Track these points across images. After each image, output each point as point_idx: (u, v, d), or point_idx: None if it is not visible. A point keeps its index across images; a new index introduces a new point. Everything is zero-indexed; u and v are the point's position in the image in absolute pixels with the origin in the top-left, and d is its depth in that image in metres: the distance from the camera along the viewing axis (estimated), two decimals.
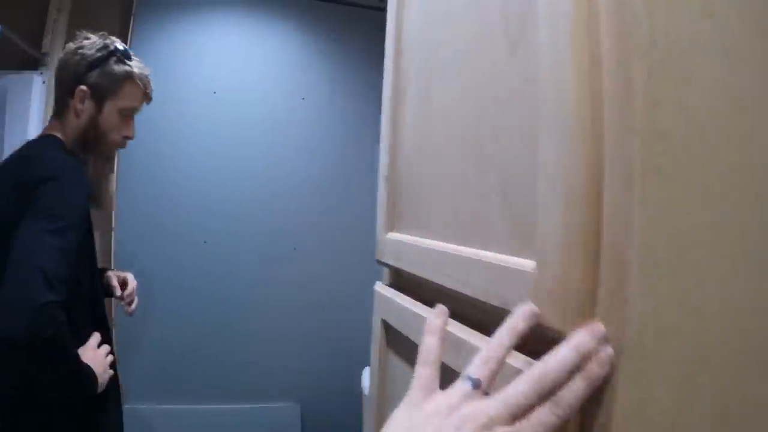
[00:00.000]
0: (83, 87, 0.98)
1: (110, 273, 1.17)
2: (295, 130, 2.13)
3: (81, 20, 2.04)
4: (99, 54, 0.99)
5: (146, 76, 1.05)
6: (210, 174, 2.03)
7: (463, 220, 0.44)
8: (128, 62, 1.02)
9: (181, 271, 1.97)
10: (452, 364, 0.37)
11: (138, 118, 1.08)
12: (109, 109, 1.00)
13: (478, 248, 0.40)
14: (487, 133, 0.40)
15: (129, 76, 1.01)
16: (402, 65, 0.66)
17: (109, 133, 1.01)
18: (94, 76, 0.98)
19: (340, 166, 2.17)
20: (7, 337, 0.72)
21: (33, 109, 1.94)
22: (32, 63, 1.96)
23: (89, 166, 1.01)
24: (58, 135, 0.99)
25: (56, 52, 2.00)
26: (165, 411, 1.91)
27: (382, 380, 0.66)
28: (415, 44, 0.61)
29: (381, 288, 0.73)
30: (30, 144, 1.01)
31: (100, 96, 0.99)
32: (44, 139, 1.00)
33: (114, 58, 1.00)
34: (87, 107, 0.99)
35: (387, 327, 0.66)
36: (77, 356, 0.84)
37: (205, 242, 1.99)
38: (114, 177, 1.30)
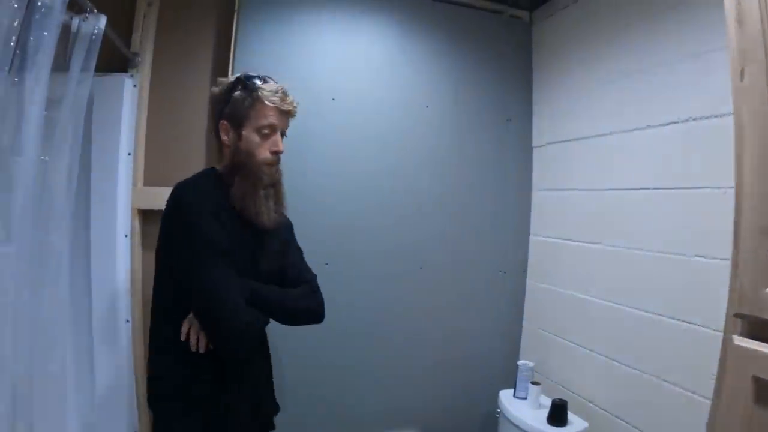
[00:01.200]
0: (223, 121, 1.11)
1: None
2: (418, 140, 1.87)
3: (172, 15, 1.81)
4: (227, 89, 1.11)
5: (275, 93, 1.09)
6: (329, 190, 1.77)
7: None
8: (254, 86, 1.08)
9: None
10: None
11: None
12: (247, 133, 1.10)
13: None
14: None
15: (255, 99, 1.08)
16: None
17: (253, 152, 1.09)
18: (227, 109, 1.10)
19: (467, 178, 1.95)
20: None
21: (125, 115, 1.68)
22: (120, 63, 1.71)
23: (235, 187, 1.10)
24: (218, 168, 1.17)
25: (147, 51, 1.75)
26: None
27: None
28: None
29: (743, 341, 0.69)
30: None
31: (237, 124, 1.10)
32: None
33: (239, 87, 1.09)
34: (231, 137, 1.11)
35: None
36: None
37: (326, 264, 1.70)
38: (274, 193, 1.19)
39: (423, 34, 1.88)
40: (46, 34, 1.15)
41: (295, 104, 1.12)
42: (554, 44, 1.93)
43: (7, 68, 1.06)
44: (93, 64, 1.35)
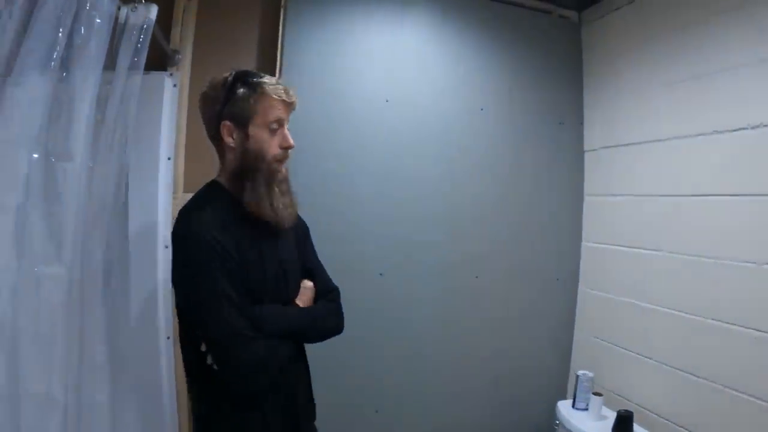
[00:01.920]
0: (225, 122, 1.01)
1: None
2: (473, 143, 1.81)
3: (213, 11, 1.69)
4: (225, 87, 1.00)
5: (277, 86, 1.02)
6: (383, 196, 1.70)
7: None
8: (257, 81, 1.01)
9: (355, 308, 1.59)
10: None
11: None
12: (255, 131, 1.01)
13: None
14: None
15: (261, 93, 1.00)
16: None
17: (264, 150, 1.02)
18: (228, 108, 1.00)
19: (521, 183, 1.90)
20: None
21: (165, 116, 1.56)
22: (158, 60, 1.58)
23: (247, 190, 1.02)
24: (218, 179, 1.10)
25: (187, 48, 1.63)
26: None
27: None
28: None
29: None
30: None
31: (242, 123, 1.01)
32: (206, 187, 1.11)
33: (238, 84, 1.00)
34: (236, 138, 1.02)
35: None
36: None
37: (381, 275, 1.63)
38: (286, 188, 1.10)
39: (474, 33, 1.81)
40: (98, 21, 1.04)
41: (296, 95, 1.05)
42: (606, 46, 1.89)
43: (52, 63, 0.96)
44: (143, 60, 1.23)
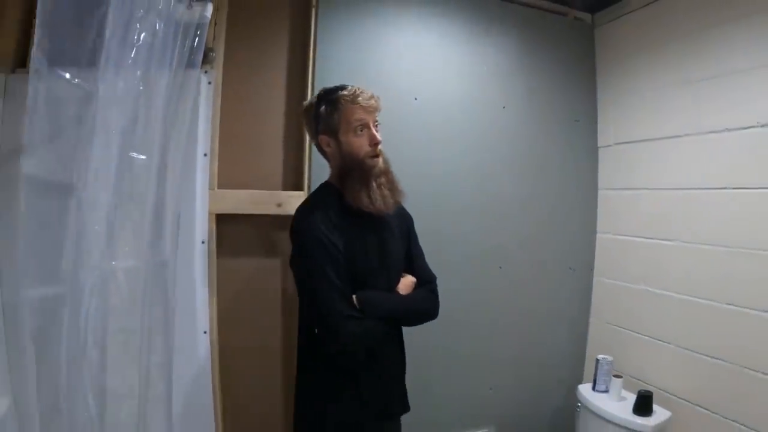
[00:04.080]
0: (321, 136, 1.20)
1: None
2: (496, 140, 1.88)
3: (245, 10, 1.70)
4: (313, 109, 1.20)
5: (353, 94, 1.16)
6: (414, 191, 1.71)
7: None
8: (333, 96, 1.17)
9: None
10: None
11: None
12: (345, 137, 1.17)
13: None
14: None
15: (338, 106, 1.16)
16: None
17: (355, 151, 1.17)
18: (320, 125, 1.19)
19: (540, 178, 1.98)
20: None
21: (201, 113, 1.58)
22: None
23: (347, 188, 1.18)
24: (330, 180, 1.26)
25: (220, 46, 1.65)
26: None
27: None
28: None
29: None
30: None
31: (333, 134, 1.18)
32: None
33: (322, 103, 1.18)
34: (333, 147, 1.20)
35: None
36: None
37: None
38: (386, 181, 1.22)
39: (496, 34, 1.88)
40: (166, 20, 1.07)
41: (374, 97, 1.18)
42: (619, 47, 1.98)
43: (129, 61, 0.98)
44: (200, 57, 1.26)
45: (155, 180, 1.07)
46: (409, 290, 1.24)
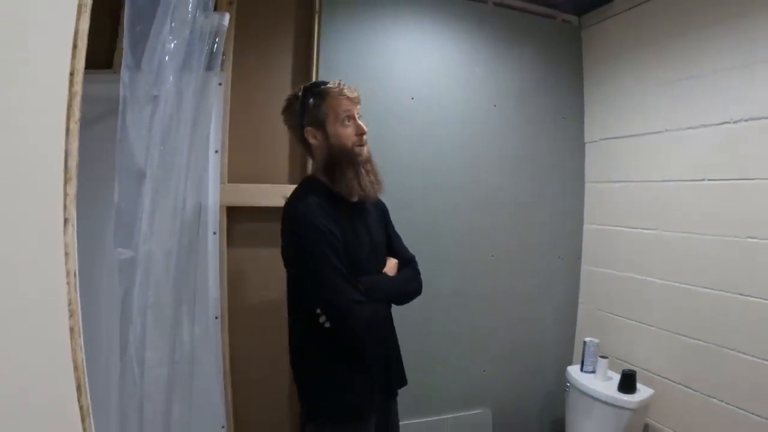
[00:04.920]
0: (307, 128, 1.22)
1: None
2: (488, 137, 2.00)
3: (252, 14, 1.82)
4: (299, 102, 1.22)
5: (339, 87, 1.21)
6: (411, 186, 1.87)
7: None
8: (320, 89, 1.21)
9: None
10: None
11: None
12: (332, 129, 1.21)
13: None
14: None
15: (326, 97, 1.20)
16: None
17: (343, 142, 1.21)
18: (306, 118, 1.22)
19: (529, 172, 2.11)
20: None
21: (213, 113, 1.69)
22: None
23: (338, 177, 1.22)
24: (313, 174, 1.30)
25: (230, 49, 1.76)
26: None
27: None
28: None
29: None
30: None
31: (320, 125, 1.21)
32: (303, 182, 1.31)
33: (308, 95, 1.22)
34: (320, 138, 1.23)
35: None
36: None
37: None
38: (371, 167, 1.29)
39: (488, 37, 1.99)
40: (192, 27, 1.18)
41: (356, 89, 1.24)
42: (605, 48, 2.11)
43: (167, 66, 1.09)
44: (218, 62, 1.37)
45: (184, 172, 1.19)
46: (394, 272, 1.30)
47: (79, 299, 0.46)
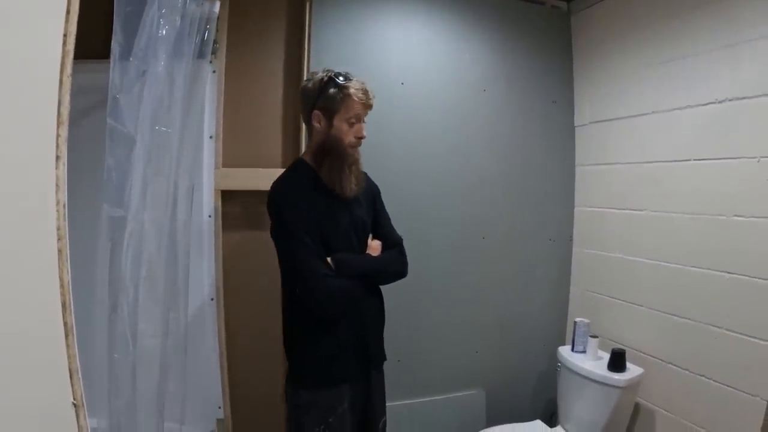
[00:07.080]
0: (316, 111, 1.29)
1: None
2: (478, 121, 2.03)
3: (243, 2, 1.87)
4: (320, 85, 1.27)
5: (361, 91, 1.27)
6: (401, 170, 1.91)
7: None
8: (344, 84, 1.26)
9: None
10: None
11: None
12: (338, 123, 1.28)
13: None
14: None
15: (346, 95, 1.26)
16: None
17: (342, 138, 1.29)
18: (320, 101, 1.28)
19: (519, 156, 2.13)
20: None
21: (207, 99, 1.74)
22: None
23: (324, 167, 1.30)
24: (303, 156, 1.38)
25: (223, 38, 1.81)
26: None
27: None
28: None
29: None
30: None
31: (329, 115, 1.28)
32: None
33: (332, 85, 1.27)
34: (323, 125, 1.30)
35: None
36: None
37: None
38: (355, 169, 1.36)
39: (477, 23, 2.02)
40: (182, 15, 1.23)
41: (374, 97, 1.31)
42: (593, 32, 2.13)
43: (158, 51, 1.14)
44: (209, 49, 1.42)
45: (176, 154, 1.23)
46: (377, 252, 1.38)
47: (67, 227, 0.52)
